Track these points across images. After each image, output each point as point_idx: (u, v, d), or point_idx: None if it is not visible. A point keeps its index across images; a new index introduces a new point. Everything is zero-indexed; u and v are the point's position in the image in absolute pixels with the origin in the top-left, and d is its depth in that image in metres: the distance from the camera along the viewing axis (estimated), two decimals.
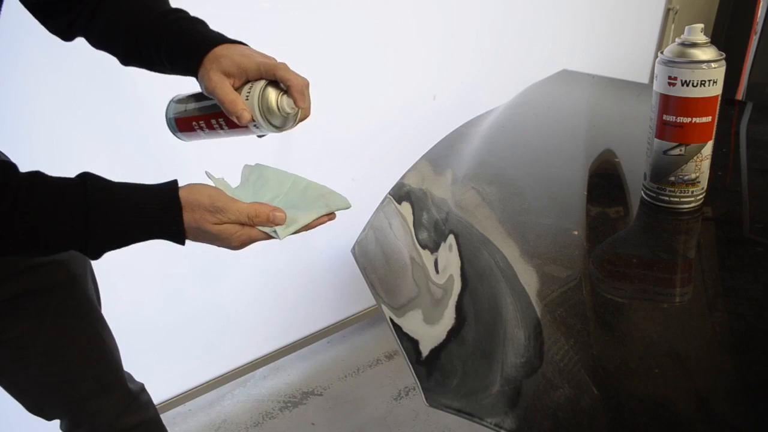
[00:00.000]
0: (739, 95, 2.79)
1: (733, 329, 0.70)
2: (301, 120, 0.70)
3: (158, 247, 1.51)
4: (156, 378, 1.65)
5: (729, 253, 0.85)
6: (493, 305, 0.77)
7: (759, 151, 1.21)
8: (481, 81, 2.09)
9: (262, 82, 0.66)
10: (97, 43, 0.78)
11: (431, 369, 0.69)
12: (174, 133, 0.76)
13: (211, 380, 1.76)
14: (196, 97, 0.74)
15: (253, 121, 0.66)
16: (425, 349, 0.73)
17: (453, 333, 0.74)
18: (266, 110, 0.66)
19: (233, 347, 1.79)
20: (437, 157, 1.23)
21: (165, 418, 1.78)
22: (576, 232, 0.91)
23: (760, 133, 1.31)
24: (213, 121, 0.71)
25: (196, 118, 0.72)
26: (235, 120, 0.66)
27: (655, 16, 2.79)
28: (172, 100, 0.76)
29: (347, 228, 1.91)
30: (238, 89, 0.67)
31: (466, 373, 0.67)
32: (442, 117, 1.90)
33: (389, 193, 1.11)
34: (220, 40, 0.70)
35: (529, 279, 0.80)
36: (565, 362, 0.64)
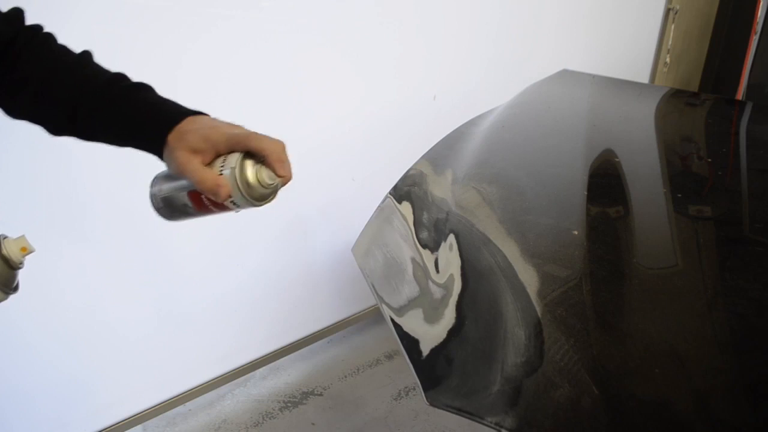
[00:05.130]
0: (739, 95, 2.79)
1: (733, 329, 0.70)
2: (282, 186, 0.64)
3: (159, 247, 1.52)
4: (156, 378, 1.65)
5: (729, 253, 0.85)
6: (493, 305, 0.77)
7: (759, 151, 1.21)
8: (481, 81, 2.09)
9: (237, 155, 0.60)
10: (19, 109, 0.67)
11: (431, 368, 0.69)
12: (160, 214, 0.70)
13: (211, 380, 1.76)
14: (168, 177, 0.68)
15: (231, 197, 0.61)
16: (425, 349, 0.73)
17: (453, 333, 0.74)
18: (245, 185, 0.60)
19: (233, 347, 1.79)
20: (437, 157, 1.23)
21: (165, 418, 1.79)
22: (576, 232, 0.91)
23: (760, 133, 1.31)
24: (194, 200, 0.65)
25: (182, 199, 0.66)
26: (212, 197, 0.60)
27: (655, 16, 2.79)
28: (154, 180, 0.69)
29: (347, 228, 1.91)
30: (209, 164, 0.61)
31: (467, 372, 0.67)
32: (442, 117, 1.90)
33: (389, 193, 1.11)
34: (181, 113, 0.64)
35: (529, 278, 0.80)
36: (565, 362, 0.65)
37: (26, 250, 0.64)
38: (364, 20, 1.67)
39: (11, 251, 0.63)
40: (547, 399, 0.61)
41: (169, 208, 0.67)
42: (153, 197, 0.67)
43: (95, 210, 1.35)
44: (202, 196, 0.63)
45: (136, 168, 1.37)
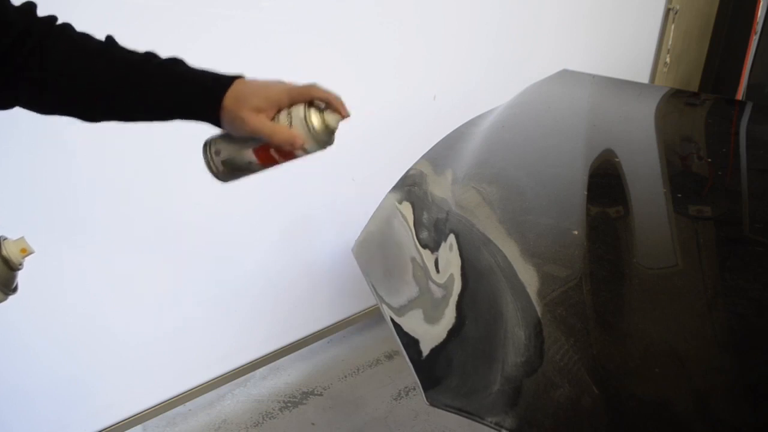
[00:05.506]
0: (739, 95, 2.79)
1: (733, 329, 0.70)
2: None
3: (158, 247, 1.52)
4: (156, 378, 1.65)
5: (729, 253, 0.85)
6: (493, 305, 0.77)
7: (759, 151, 1.21)
8: (481, 81, 2.09)
9: (301, 107, 0.67)
10: (51, 103, 0.67)
11: (431, 368, 0.69)
12: (218, 177, 0.73)
13: (211, 380, 1.76)
14: (226, 138, 0.72)
15: (304, 144, 0.67)
16: (425, 349, 0.73)
17: (453, 333, 0.74)
18: (316, 132, 0.67)
19: (233, 347, 1.79)
20: (437, 157, 1.23)
21: (165, 418, 1.79)
22: (576, 232, 0.91)
23: (760, 133, 1.31)
24: (261, 155, 0.70)
25: (247, 156, 0.70)
26: (289, 147, 0.66)
27: (655, 16, 2.79)
28: (208, 144, 0.72)
29: (347, 228, 1.91)
30: (273, 120, 0.67)
31: (467, 372, 0.67)
32: (442, 117, 1.90)
33: (389, 193, 1.11)
34: (227, 78, 0.67)
35: (529, 278, 0.80)
36: (565, 362, 0.64)
37: (26, 252, 0.65)
38: (364, 20, 1.67)
39: (11, 252, 0.64)
40: (547, 399, 0.61)
41: (230, 168, 0.71)
42: (211, 161, 0.71)
43: (95, 214, 1.36)
44: (271, 150, 0.68)
45: (136, 172, 1.38)
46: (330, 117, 0.68)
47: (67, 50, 0.65)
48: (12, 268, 0.65)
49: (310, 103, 0.67)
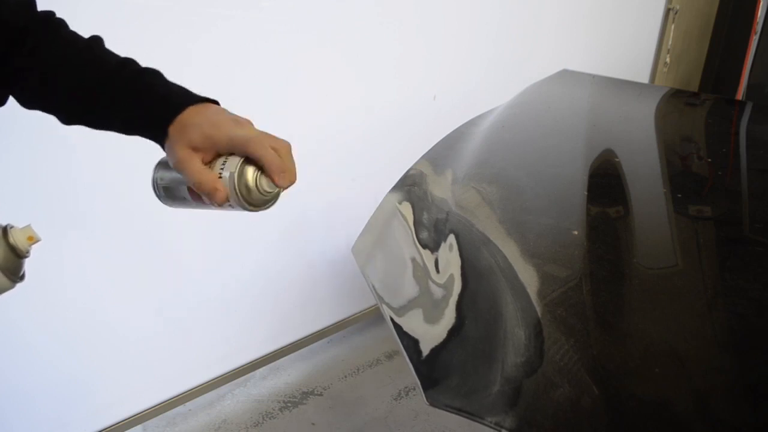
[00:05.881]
0: (739, 95, 2.79)
1: (733, 329, 0.70)
2: (286, 189, 0.62)
3: (159, 247, 1.52)
4: (156, 378, 1.65)
5: (729, 253, 0.85)
6: (493, 305, 0.77)
7: (759, 151, 1.21)
8: (481, 81, 2.09)
9: (237, 159, 0.58)
10: (31, 98, 0.66)
11: (431, 368, 0.69)
12: (160, 200, 0.69)
13: (211, 380, 1.76)
14: (170, 167, 0.66)
15: (229, 201, 0.59)
16: (425, 349, 0.73)
17: (453, 333, 0.74)
18: (244, 191, 0.58)
19: (233, 347, 1.79)
20: (437, 157, 1.23)
21: (165, 418, 1.79)
22: (576, 232, 0.91)
23: (760, 133, 1.31)
24: (193, 195, 0.64)
25: (182, 192, 0.65)
26: (206, 200, 0.59)
27: (655, 16, 2.79)
28: (158, 166, 0.68)
29: (347, 228, 1.91)
30: (209, 163, 0.59)
31: (467, 372, 0.67)
32: (442, 117, 1.90)
33: (389, 193, 1.11)
34: (184, 103, 0.61)
35: (529, 278, 0.80)
36: (565, 362, 0.64)
37: (33, 239, 0.64)
38: (364, 20, 1.67)
39: (18, 240, 0.63)
40: (547, 399, 0.61)
41: (169, 196, 0.66)
42: (154, 183, 0.66)
43: (95, 210, 1.36)
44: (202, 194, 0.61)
45: (137, 168, 1.38)
46: (264, 180, 0.59)
47: (51, 47, 0.65)
48: (19, 255, 0.64)
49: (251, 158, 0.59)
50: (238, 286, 1.72)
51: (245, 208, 0.60)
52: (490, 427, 0.59)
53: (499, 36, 2.09)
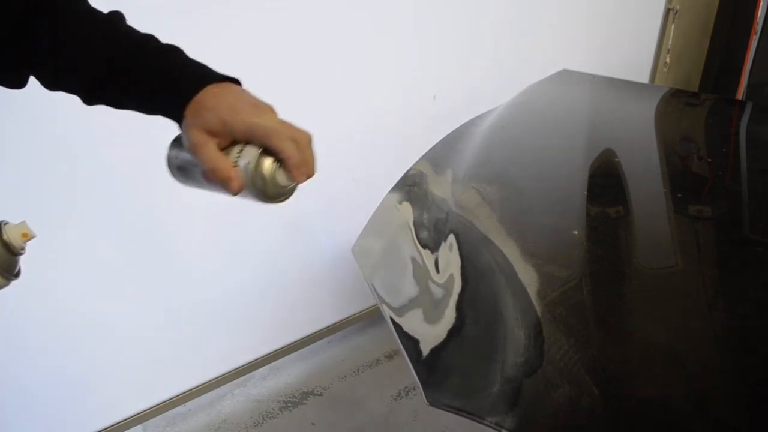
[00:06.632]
0: (739, 95, 2.79)
1: (733, 329, 0.70)
2: (304, 182, 0.59)
3: (159, 247, 1.52)
4: (156, 378, 1.65)
5: (729, 253, 0.85)
6: (493, 305, 0.77)
7: (759, 151, 1.21)
8: (481, 81, 2.09)
9: (255, 150, 0.55)
10: (56, 77, 0.63)
11: (431, 368, 0.69)
12: (174, 178, 0.67)
13: (211, 380, 1.76)
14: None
15: (243, 192, 0.57)
16: (425, 349, 0.73)
17: (453, 332, 0.74)
18: (260, 183, 0.55)
19: (233, 347, 1.79)
20: (437, 157, 1.23)
21: (165, 418, 1.79)
22: (576, 232, 0.91)
23: (760, 133, 1.31)
24: (208, 179, 0.61)
25: (198, 174, 0.62)
26: (221, 189, 0.56)
27: (655, 16, 2.78)
28: (174, 142, 0.66)
29: (347, 228, 1.91)
30: (226, 149, 0.56)
31: (467, 372, 0.67)
32: (442, 117, 1.90)
33: (389, 193, 1.11)
34: (202, 82, 0.57)
35: (529, 278, 0.80)
36: (565, 362, 0.65)
37: (27, 236, 0.63)
38: (363, 20, 1.67)
39: (12, 237, 0.62)
40: (547, 399, 0.61)
41: (183, 176, 0.64)
42: (169, 161, 0.63)
43: (95, 209, 1.36)
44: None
45: (138, 167, 1.38)
46: (281, 174, 0.56)
47: (73, 22, 0.62)
48: (13, 252, 0.63)
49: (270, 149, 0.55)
50: (238, 286, 1.72)
51: (259, 201, 0.58)
52: (490, 427, 0.59)
53: (499, 36, 2.09)
